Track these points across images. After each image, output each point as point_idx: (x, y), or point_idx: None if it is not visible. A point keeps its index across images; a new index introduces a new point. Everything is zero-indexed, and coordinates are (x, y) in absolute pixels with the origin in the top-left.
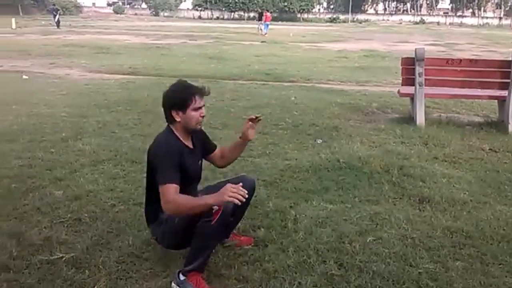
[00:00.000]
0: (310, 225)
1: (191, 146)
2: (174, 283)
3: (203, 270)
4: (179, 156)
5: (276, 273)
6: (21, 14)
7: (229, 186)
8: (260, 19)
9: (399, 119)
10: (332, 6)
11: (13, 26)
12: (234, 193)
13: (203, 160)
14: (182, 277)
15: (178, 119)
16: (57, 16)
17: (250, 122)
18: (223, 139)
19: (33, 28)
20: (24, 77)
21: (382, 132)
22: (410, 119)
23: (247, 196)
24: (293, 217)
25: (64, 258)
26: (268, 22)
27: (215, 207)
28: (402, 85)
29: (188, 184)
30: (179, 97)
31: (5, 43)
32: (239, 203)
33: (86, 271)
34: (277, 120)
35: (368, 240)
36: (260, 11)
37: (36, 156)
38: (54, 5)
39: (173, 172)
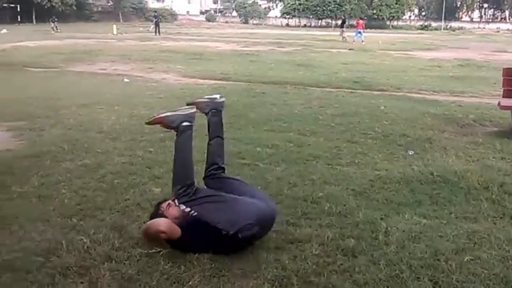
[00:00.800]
0: (402, 239)
1: None
2: None
3: None
4: None
5: (367, 286)
6: (121, 21)
7: None
8: (342, 26)
9: (498, 132)
10: (424, 13)
11: (114, 32)
12: None
13: None
14: None
15: None
16: (157, 23)
17: None
18: (312, 145)
19: (132, 34)
20: (125, 80)
21: (480, 146)
22: (510, 134)
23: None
24: (384, 229)
25: (161, 253)
26: (360, 30)
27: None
28: (503, 97)
29: None
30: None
31: (108, 48)
32: None
33: (182, 266)
34: (366, 129)
35: (465, 259)
36: (343, 18)
37: (137, 154)
38: (155, 11)
39: None
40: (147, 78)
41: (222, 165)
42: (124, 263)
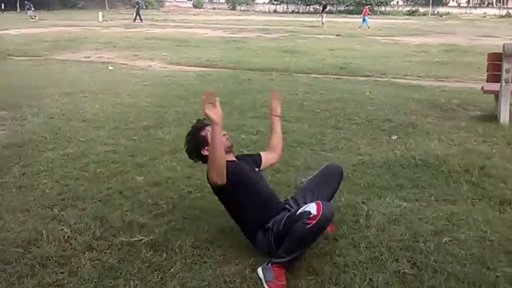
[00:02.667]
0: (383, 222)
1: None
2: (261, 267)
3: (289, 268)
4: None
5: (347, 268)
6: (107, 8)
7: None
8: (322, 11)
9: (481, 117)
10: None
11: (100, 19)
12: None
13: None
14: (268, 265)
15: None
16: (137, 10)
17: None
18: (296, 132)
19: (117, 21)
20: (110, 68)
21: (462, 130)
22: (493, 118)
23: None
24: (365, 213)
25: (143, 241)
26: (366, 17)
27: (313, 212)
28: (486, 81)
29: (256, 184)
30: (196, 140)
31: (93, 35)
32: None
33: (164, 254)
34: (350, 115)
35: (443, 241)
36: (324, 3)
37: (120, 143)
38: None
39: None
40: (132, 65)
41: None
42: (105, 252)
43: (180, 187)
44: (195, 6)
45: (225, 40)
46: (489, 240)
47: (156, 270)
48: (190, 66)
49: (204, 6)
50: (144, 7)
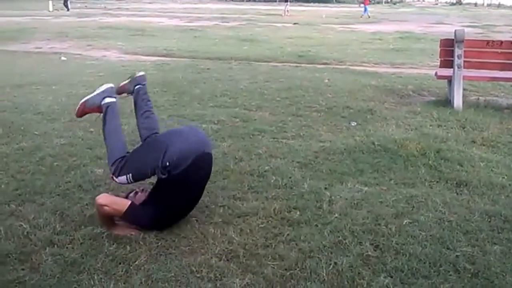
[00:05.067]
0: (345, 207)
1: None
2: None
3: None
4: None
5: (312, 253)
6: None
7: None
8: (286, 0)
9: (435, 102)
10: None
11: (50, 8)
12: None
13: None
14: None
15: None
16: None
17: None
18: (257, 120)
19: (69, 11)
20: (63, 58)
21: (418, 115)
22: (447, 102)
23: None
24: (328, 199)
25: (105, 234)
26: (367, 6)
27: None
28: (439, 67)
29: None
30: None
31: (43, 25)
32: None
33: (127, 246)
34: (310, 103)
35: (404, 223)
36: None
37: (77, 135)
38: None
39: None
40: (86, 55)
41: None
42: (66, 247)
43: None
44: None
45: (182, 28)
46: (447, 221)
47: (120, 263)
48: (146, 55)
49: None
50: None
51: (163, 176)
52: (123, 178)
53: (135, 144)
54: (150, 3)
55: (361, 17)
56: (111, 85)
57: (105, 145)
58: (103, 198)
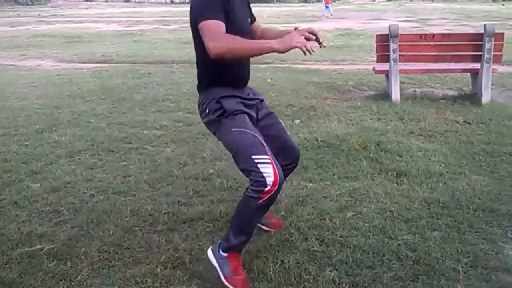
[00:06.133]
0: (290, 204)
1: None
2: (212, 253)
3: (241, 250)
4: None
5: (259, 253)
6: None
7: (297, 31)
8: None
9: (375, 96)
10: None
11: None
12: (302, 41)
13: None
14: (223, 253)
15: None
16: None
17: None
18: (201, 124)
19: (0, 20)
20: None
21: (358, 110)
22: (385, 96)
23: (315, 46)
24: None
25: (44, 250)
26: (329, 4)
27: (267, 187)
28: (377, 62)
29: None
30: None
31: None
32: (307, 53)
33: (68, 262)
34: None
35: (348, 216)
36: None
37: (11, 150)
38: None
39: (218, 12)
40: (20, 66)
41: None
42: (3, 268)
43: (81, 191)
44: (86, 0)
45: (120, 33)
46: (389, 211)
47: (61, 280)
48: (84, 62)
49: None
50: (30, 3)
51: None
52: None
53: None
54: (86, 8)
55: (322, 15)
56: None
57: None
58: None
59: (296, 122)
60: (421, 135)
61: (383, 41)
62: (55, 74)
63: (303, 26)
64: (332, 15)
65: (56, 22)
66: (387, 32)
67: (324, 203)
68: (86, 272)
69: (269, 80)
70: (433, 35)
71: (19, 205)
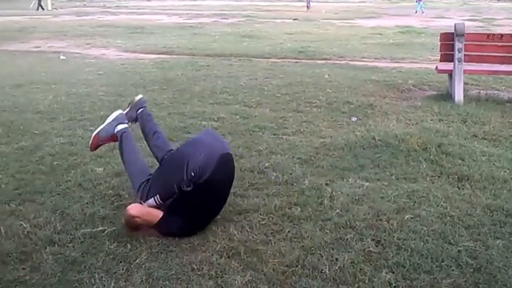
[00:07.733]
0: (346, 203)
1: None
2: None
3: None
4: None
5: (313, 249)
6: None
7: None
8: None
9: (436, 96)
10: None
11: (49, 7)
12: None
13: None
14: None
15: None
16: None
17: None
18: (258, 116)
19: (67, 9)
20: (62, 57)
21: (419, 110)
22: (448, 96)
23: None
24: (329, 195)
25: (106, 232)
26: (421, 1)
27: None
28: (440, 61)
29: None
30: None
31: (42, 24)
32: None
33: (128, 245)
34: (311, 98)
35: (405, 218)
36: None
37: (77, 134)
38: None
39: None
40: (85, 54)
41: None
42: (67, 246)
43: None
44: None
45: (181, 26)
46: (449, 216)
47: (121, 262)
48: (146, 53)
49: None
50: None
51: (188, 189)
52: (151, 201)
53: (153, 165)
54: (149, 0)
55: (415, 12)
56: (120, 111)
57: (127, 172)
58: (135, 209)
59: (353, 119)
60: (485, 139)
61: (448, 40)
62: (119, 63)
63: (359, 22)
64: (423, 12)
65: (120, 13)
66: (452, 31)
67: (381, 204)
68: (145, 255)
69: (326, 76)
70: (501, 35)
71: (83, 187)
